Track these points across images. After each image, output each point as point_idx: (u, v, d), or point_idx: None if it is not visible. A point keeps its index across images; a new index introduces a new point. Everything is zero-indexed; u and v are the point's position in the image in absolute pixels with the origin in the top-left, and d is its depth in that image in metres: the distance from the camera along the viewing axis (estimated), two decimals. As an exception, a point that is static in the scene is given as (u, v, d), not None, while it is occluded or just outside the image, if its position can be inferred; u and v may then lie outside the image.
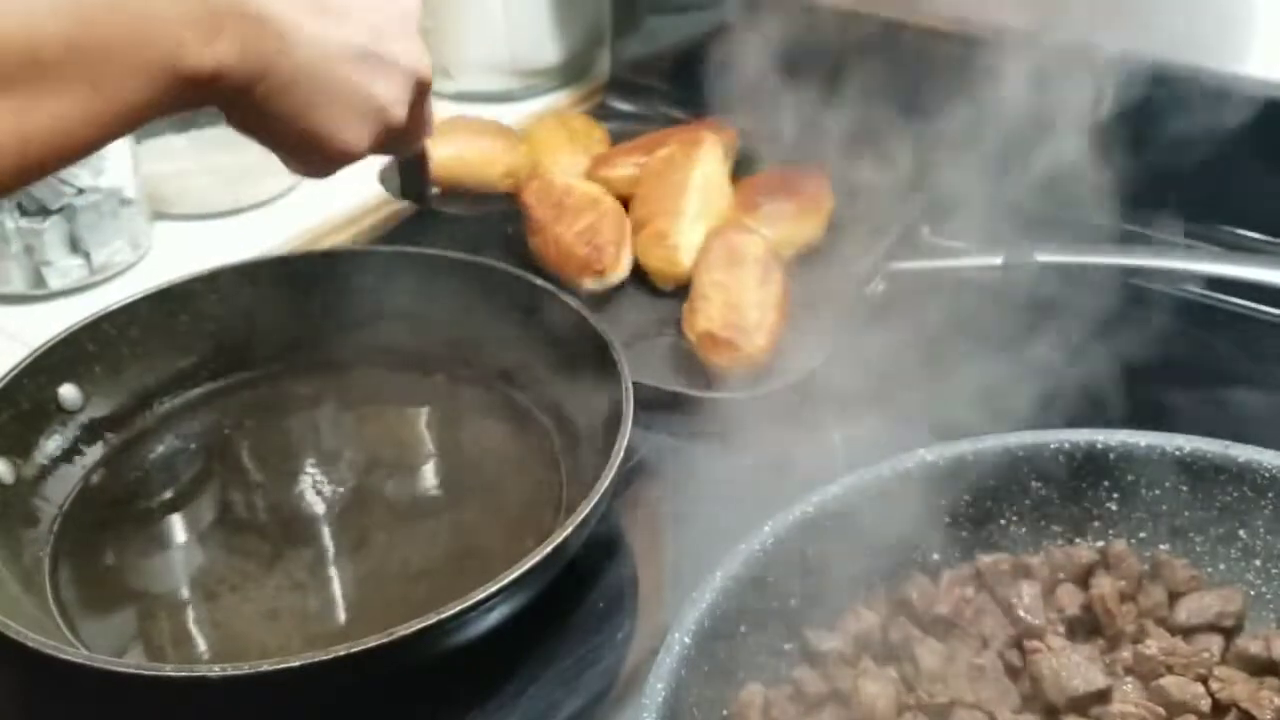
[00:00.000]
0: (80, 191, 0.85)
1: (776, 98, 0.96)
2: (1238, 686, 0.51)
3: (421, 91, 0.59)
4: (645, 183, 0.87)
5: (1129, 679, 0.52)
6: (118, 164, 0.87)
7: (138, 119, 0.47)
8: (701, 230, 0.82)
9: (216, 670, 0.51)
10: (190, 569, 0.67)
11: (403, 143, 0.60)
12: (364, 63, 0.54)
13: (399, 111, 0.57)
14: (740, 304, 0.76)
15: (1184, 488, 0.57)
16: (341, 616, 0.63)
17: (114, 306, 0.74)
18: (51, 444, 0.70)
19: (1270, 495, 0.56)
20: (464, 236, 0.87)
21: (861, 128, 0.89)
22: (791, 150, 0.93)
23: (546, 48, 1.09)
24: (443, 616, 0.53)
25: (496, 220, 0.90)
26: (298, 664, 0.51)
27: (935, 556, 0.58)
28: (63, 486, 0.69)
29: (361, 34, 0.54)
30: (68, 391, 0.71)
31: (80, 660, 0.54)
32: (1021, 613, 0.54)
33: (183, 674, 0.52)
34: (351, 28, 0.54)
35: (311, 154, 0.55)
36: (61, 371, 0.71)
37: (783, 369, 0.76)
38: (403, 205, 0.94)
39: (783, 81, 0.95)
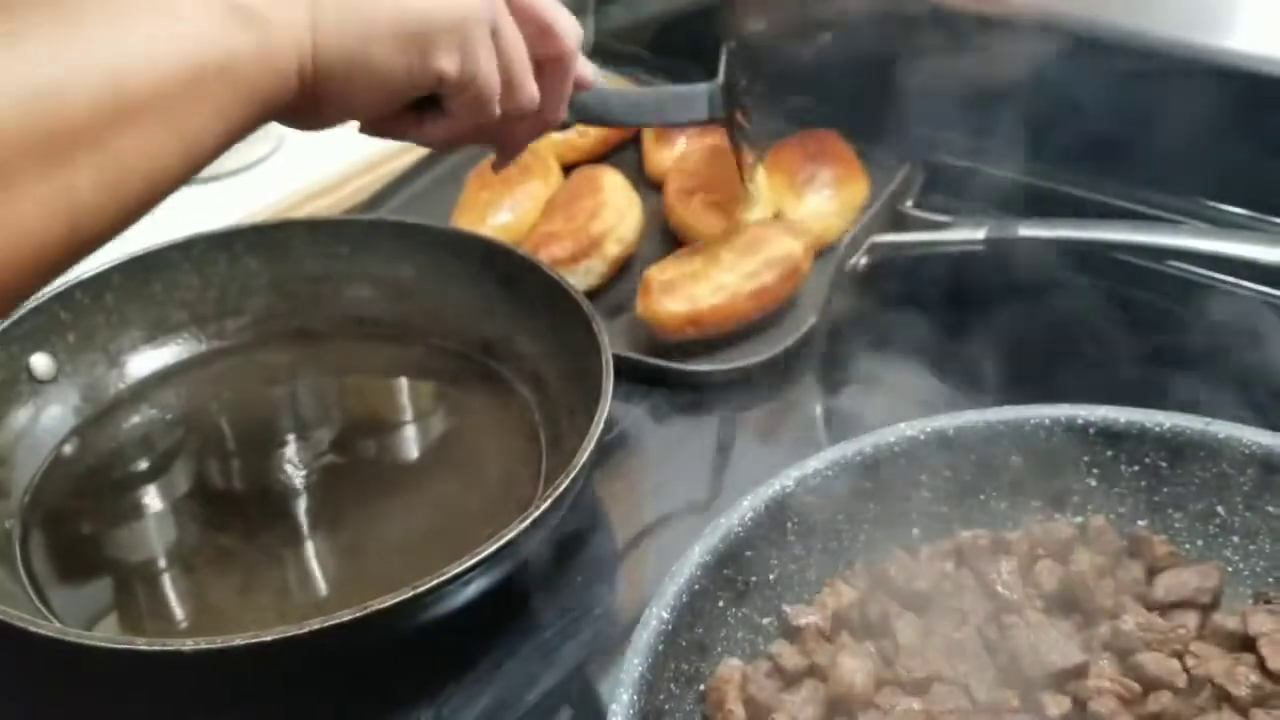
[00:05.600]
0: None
1: (760, 66, 0.95)
2: (1214, 662, 0.51)
3: (493, 31, 0.54)
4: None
5: (1106, 654, 0.52)
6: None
7: (204, 145, 0.44)
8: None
9: (189, 644, 0.51)
10: (165, 541, 0.67)
11: (491, 92, 0.55)
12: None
13: (471, 49, 0.53)
14: (698, 274, 0.76)
15: (1163, 464, 0.57)
16: (318, 590, 0.63)
17: (87, 274, 0.73)
18: (23, 414, 0.69)
19: (1249, 472, 0.56)
20: (445, 204, 0.87)
21: (845, 97, 0.89)
22: (775, 119, 0.93)
23: (529, 15, 1.07)
24: (418, 591, 0.53)
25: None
26: (270, 638, 0.51)
27: (914, 531, 0.58)
28: (34, 457, 0.68)
29: None
30: (39, 361, 0.70)
31: (51, 634, 0.54)
32: (1000, 588, 0.54)
33: (155, 648, 0.52)
34: None
35: (426, 43, 0.51)
36: (33, 340, 0.70)
37: (765, 342, 0.76)
38: (384, 173, 0.93)
39: (767, 50, 0.95)
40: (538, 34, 0.58)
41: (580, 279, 0.79)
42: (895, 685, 0.51)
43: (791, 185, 0.84)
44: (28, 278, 0.40)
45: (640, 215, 0.84)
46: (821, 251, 0.81)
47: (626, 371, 0.72)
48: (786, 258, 0.76)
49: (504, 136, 0.63)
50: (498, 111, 0.57)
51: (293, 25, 0.47)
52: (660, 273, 0.77)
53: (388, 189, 0.92)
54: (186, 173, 0.44)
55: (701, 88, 0.73)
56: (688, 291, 0.75)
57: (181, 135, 0.43)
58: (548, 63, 0.60)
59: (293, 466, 0.70)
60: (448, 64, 0.52)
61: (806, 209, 0.82)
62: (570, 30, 0.60)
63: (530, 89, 0.58)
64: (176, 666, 0.52)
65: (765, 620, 0.55)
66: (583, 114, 0.69)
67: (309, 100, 0.49)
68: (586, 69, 0.65)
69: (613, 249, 0.81)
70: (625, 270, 0.82)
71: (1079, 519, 0.58)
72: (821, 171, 0.84)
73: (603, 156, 0.92)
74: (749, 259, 0.76)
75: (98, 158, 0.40)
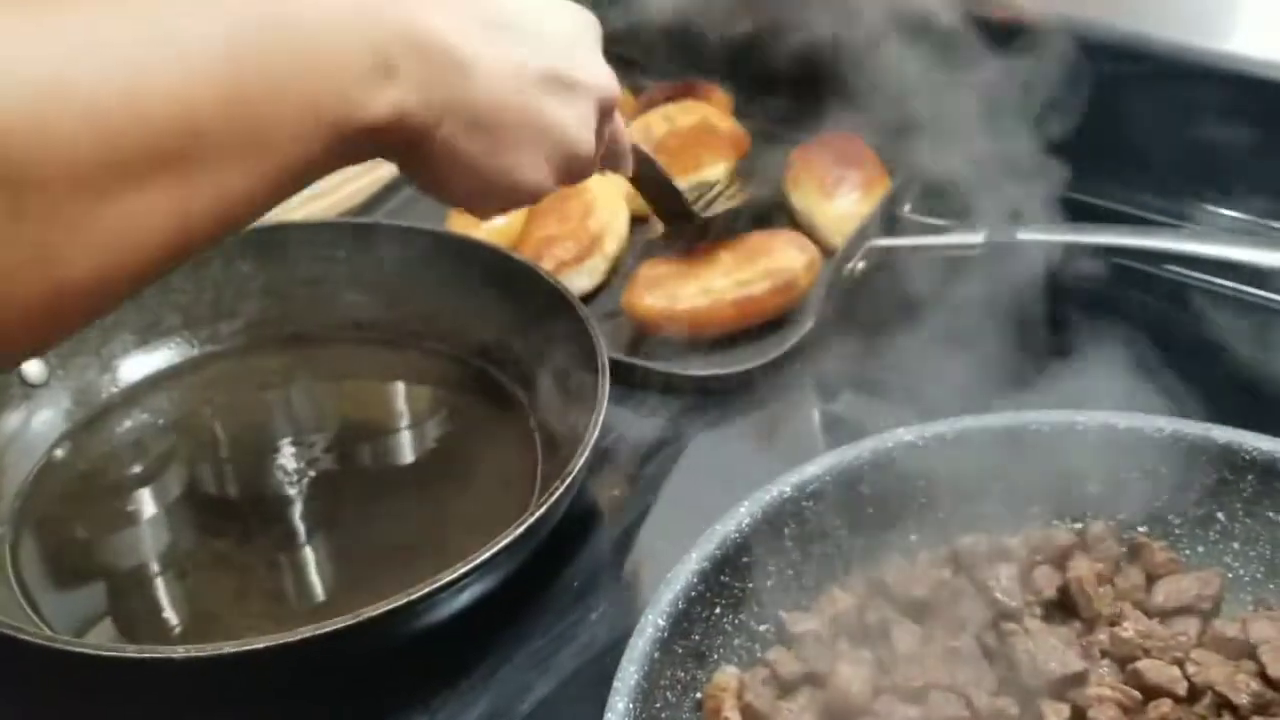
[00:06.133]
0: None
1: (762, 69, 0.95)
2: (1214, 670, 0.50)
3: (606, 111, 0.54)
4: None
5: (1105, 662, 0.52)
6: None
7: (305, 180, 0.42)
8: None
9: (180, 652, 0.51)
10: (157, 547, 0.66)
11: (587, 170, 0.54)
12: (551, 86, 0.49)
13: (587, 136, 0.52)
14: (689, 275, 0.75)
15: (1163, 469, 0.57)
16: (311, 596, 0.63)
17: (80, 278, 0.72)
18: (14, 418, 0.69)
19: (1249, 478, 0.55)
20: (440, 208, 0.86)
21: (845, 102, 0.89)
22: (778, 123, 0.92)
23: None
24: (412, 598, 0.52)
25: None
26: (262, 646, 0.50)
27: (912, 538, 0.57)
28: (25, 462, 0.68)
29: (545, 54, 0.49)
30: (31, 365, 0.70)
31: (41, 641, 0.53)
32: (998, 595, 0.54)
33: (145, 655, 0.51)
34: (533, 47, 0.48)
35: (493, 198, 0.51)
36: (25, 344, 0.70)
37: (762, 347, 0.75)
38: (377, 177, 0.92)
39: (767, 54, 0.95)
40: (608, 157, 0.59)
41: (585, 279, 0.79)
42: (893, 693, 0.50)
43: (821, 187, 0.84)
44: (138, 281, 0.38)
45: (627, 210, 0.84)
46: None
47: (623, 376, 0.72)
48: (784, 271, 0.76)
49: None
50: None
51: (428, 106, 0.45)
52: (651, 268, 0.77)
53: (383, 192, 0.92)
54: (289, 197, 0.43)
55: (689, 212, 0.77)
56: (670, 290, 0.75)
57: (302, 172, 0.42)
58: None
59: (286, 472, 0.69)
60: (545, 181, 0.52)
61: (836, 211, 0.82)
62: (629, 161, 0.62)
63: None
64: (168, 673, 0.51)
65: (762, 627, 0.54)
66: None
67: (403, 158, 0.47)
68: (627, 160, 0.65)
69: (611, 246, 0.81)
70: (620, 273, 0.82)
71: (1078, 525, 0.57)
72: (850, 174, 0.84)
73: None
74: (747, 267, 0.76)
75: (222, 183, 0.39)
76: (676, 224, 0.79)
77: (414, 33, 0.43)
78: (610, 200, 0.83)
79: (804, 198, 0.85)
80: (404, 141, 0.45)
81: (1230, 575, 0.56)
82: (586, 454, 0.59)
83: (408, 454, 0.73)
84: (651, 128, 0.89)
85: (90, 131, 0.35)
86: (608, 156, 0.59)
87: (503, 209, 0.54)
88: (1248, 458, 0.55)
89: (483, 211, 0.54)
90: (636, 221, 0.86)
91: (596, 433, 0.60)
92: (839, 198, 0.83)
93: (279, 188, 0.41)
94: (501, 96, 0.47)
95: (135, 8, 0.37)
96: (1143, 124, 0.77)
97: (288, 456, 0.70)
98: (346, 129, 0.41)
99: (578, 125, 0.51)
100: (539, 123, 0.49)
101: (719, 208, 0.83)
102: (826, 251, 0.80)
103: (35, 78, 0.34)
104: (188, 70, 0.37)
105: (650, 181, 0.75)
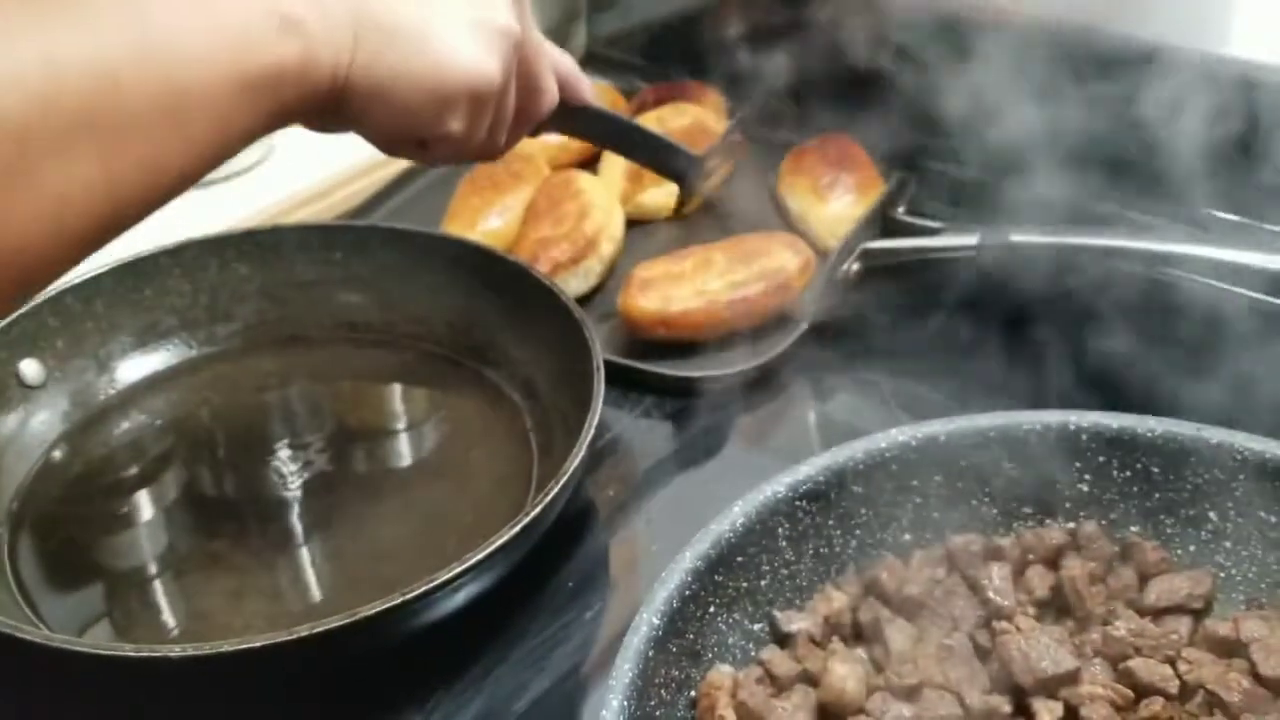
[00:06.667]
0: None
1: (753, 72, 0.96)
2: (1205, 668, 0.51)
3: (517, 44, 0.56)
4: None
5: (1097, 660, 0.52)
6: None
7: (231, 144, 0.45)
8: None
9: (177, 651, 0.51)
10: (154, 547, 0.66)
11: (520, 44, 0.56)
12: None
13: (513, 20, 0.54)
14: (683, 276, 0.76)
15: (1155, 469, 0.57)
16: (308, 595, 0.63)
17: (77, 279, 0.72)
18: (12, 419, 0.69)
19: (1241, 477, 0.56)
20: (436, 210, 0.87)
21: (836, 104, 0.89)
22: (771, 125, 0.93)
23: (522, 21, 1.07)
24: (407, 597, 0.52)
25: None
26: (259, 644, 0.51)
27: (906, 537, 0.58)
28: (23, 463, 0.68)
29: None
30: (29, 366, 0.70)
31: (38, 640, 0.53)
32: (991, 594, 0.54)
33: (143, 654, 0.51)
34: None
35: (451, 104, 0.52)
36: (23, 346, 0.70)
37: (757, 348, 0.76)
38: (373, 180, 0.93)
39: (758, 57, 0.95)
40: (528, 92, 0.60)
41: (580, 281, 0.79)
42: (886, 691, 0.51)
43: (814, 189, 0.84)
44: (67, 252, 0.40)
45: (622, 212, 0.84)
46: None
47: (618, 377, 0.72)
48: (778, 272, 0.76)
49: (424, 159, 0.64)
50: (489, 153, 0.61)
51: (336, 46, 0.48)
52: (646, 269, 0.77)
53: (379, 195, 0.92)
54: (214, 166, 0.45)
55: (686, 154, 0.79)
56: (665, 291, 0.75)
57: (220, 132, 0.44)
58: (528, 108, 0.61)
59: (283, 472, 0.69)
60: (455, 126, 0.54)
61: (830, 213, 0.83)
62: (553, 96, 0.62)
63: (500, 143, 0.60)
64: (165, 672, 0.51)
65: (756, 626, 0.54)
66: (569, 129, 0.70)
67: (327, 110, 0.50)
68: (584, 89, 0.67)
69: (607, 247, 0.81)
70: (615, 274, 0.82)
71: (1071, 525, 0.58)
72: (844, 177, 0.84)
73: (595, 159, 0.92)
74: (741, 268, 0.76)
75: (145, 146, 0.41)
76: (683, 178, 0.80)
77: None
78: (605, 203, 0.83)
79: (798, 200, 0.85)
80: (326, 83, 0.47)
81: (1222, 575, 0.56)
82: (581, 455, 0.60)
83: (404, 455, 0.73)
84: None
85: (19, 98, 0.37)
86: (564, 85, 0.62)
87: (471, 123, 0.55)
88: (1239, 458, 0.55)
89: (453, 136, 0.55)
90: (632, 224, 0.86)
91: (591, 433, 0.61)
92: (833, 200, 0.83)
93: (203, 151, 0.43)
94: (411, 3, 0.50)
95: (49, 6, 0.39)
96: (1138, 126, 0.77)
97: (284, 457, 0.70)
98: (258, 80, 0.44)
99: (497, 4, 0.53)
100: (455, 4, 0.52)
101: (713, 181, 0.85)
102: (820, 253, 0.81)
103: None
104: (100, 38, 0.40)
105: (637, 144, 0.76)
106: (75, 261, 0.42)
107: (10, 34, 0.37)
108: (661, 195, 0.86)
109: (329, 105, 0.49)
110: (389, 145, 0.58)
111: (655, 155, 0.78)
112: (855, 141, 0.88)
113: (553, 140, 0.90)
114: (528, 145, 0.92)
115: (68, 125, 0.38)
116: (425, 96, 0.52)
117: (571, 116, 0.67)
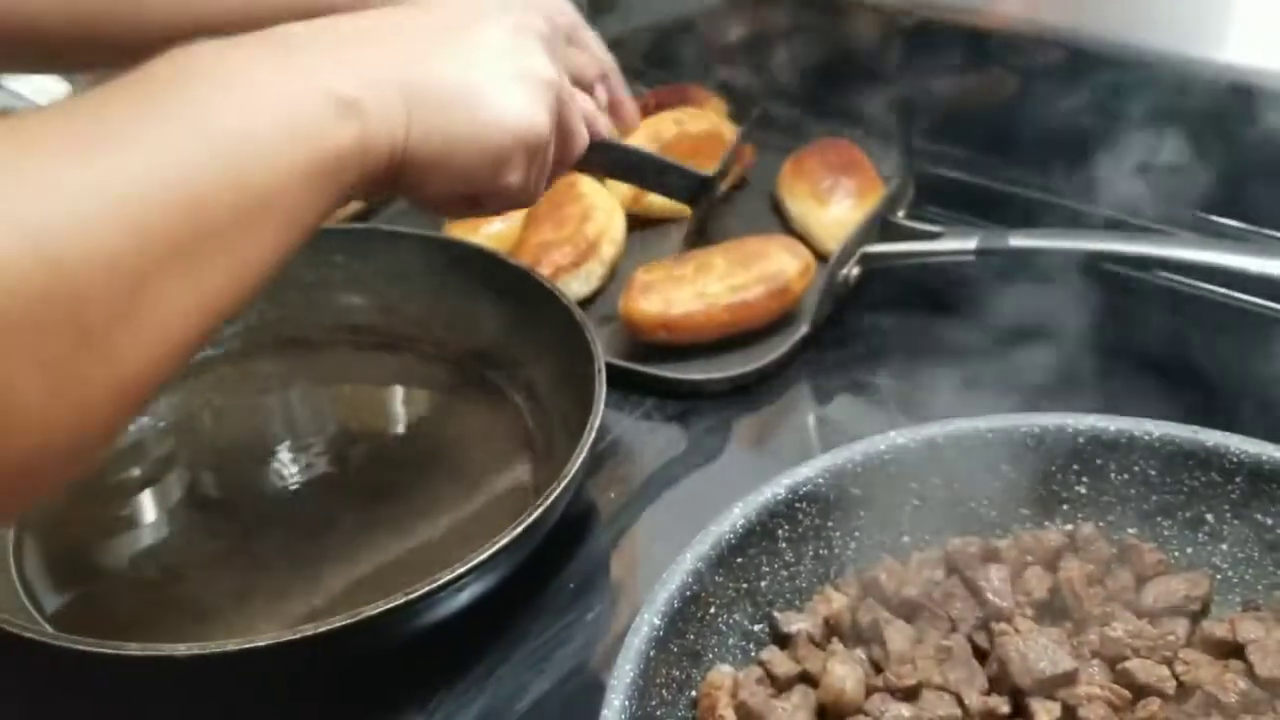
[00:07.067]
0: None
1: (754, 75, 0.96)
2: (1203, 670, 0.51)
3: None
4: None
5: (1095, 661, 0.52)
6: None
7: (305, 231, 0.45)
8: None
9: (182, 649, 0.51)
10: (158, 548, 0.66)
11: (560, 92, 0.57)
12: (498, 43, 0.53)
13: (552, 69, 0.55)
14: (684, 279, 0.76)
15: (1153, 472, 0.57)
16: (310, 596, 0.63)
17: (81, 282, 0.72)
18: (15, 421, 0.69)
19: (1237, 480, 0.56)
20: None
21: (836, 109, 0.89)
22: (771, 130, 0.93)
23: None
24: (410, 597, 0.53)
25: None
26: (264, 644, 0.51)
27: (905, 539, 0.58)
28: (27, 464, 0.68)
29: (462, 11, 0.53)
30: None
31: (44, 639, 0.54)
32: (990, 595, 0.54)
33: (148, 653, 0.52)
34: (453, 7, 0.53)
35: (506, 161, 0.53)
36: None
37: (757, 351, 0.76)
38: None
39: (759, 60, 0.95)
40: (564, 137, 0.60)
41: (582, 284, 0.80)
42: (885, 692, 0.51)
43: (815, 193, 0.85)
44: (167, 375, 0.40)
45: (624, 215, 0.85)
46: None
47: (619, 379, 0.72)
48: (777, 276, 0.77)
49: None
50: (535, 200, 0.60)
51: (391, 122, 0.48)
52: (647, 272, 0.77)
53: (380, 201, 0.92)
54: (286, 262, 0.45)
55: (699, 177, 0.80)
56: (666, 295, 0.75)
57: (291, 228, 0.44)
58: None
59: (285, 474, 0.70)
60: (513, 180, 0.54)
61: (830, 217, 0.83)
62: (584, 138, 0.62)
63: (541, 191, 0.60)
64: (170, 671, 0.52)
65: (756, 627, 0.55)
66: (584, 165, 0.71)
67: (384, 184, 0.50)
68: (601, 126, 0.67)
69: (608, 250, 0.81)
70: (616, 277, 0.83)
71: (1069, 527, 0.58)
72: (844, 180, 0.85)
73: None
74: (741, 272, 0.77)
75: (228, 259, 0.41)
76: (696, 200, 0.81)
77: (364, 73, 0.47)
78: (607, 206, 0.84)
79: (798, 204, 0.85)
80: (384, 160, 0.48)
81: (1219, 576, 0.56)
82: (583, 457, 0.60)
83: (405, 457, 0.73)
84: (661, 131, 0.90)
85: (117, 231, 0.37)
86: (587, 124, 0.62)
87: (526, 175, 0.55)
88: (1236, 460, 0.56)
89: (510, 190, 0.55)
90: (633, 227, 0.86)
91: (593, 436, 0.61)
92: (833, 204, 0.84)
93: (278, 249, 0.43)
94: (455, 67, 0.51)
95: (118, 136, 0.38)
96: (1134, 130, 0.77)
97: (286, 459, 0.71)
98: (321, 167, 0.44)
99: (534, 53, 0.54)
100: (497, 63, 0.52)
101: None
102: (820, 257, 0.81)
103: (82, 195, 0.36)
104: (177, 155, 0.39)
105: (649, 173, 0.77)
106: (175, 376, 0.41)
107: (93, 161, 0.37)
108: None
109: (386, 180, 0.49)
110: (442, 207, 0.58)
111: (666, 180, 0.79)
112: (855, 145, 0.88)
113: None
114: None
115: (162, 252, 0.38)
116: (481, 158, 0.52)
117: (589, 151, 0.68)
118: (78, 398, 0.36)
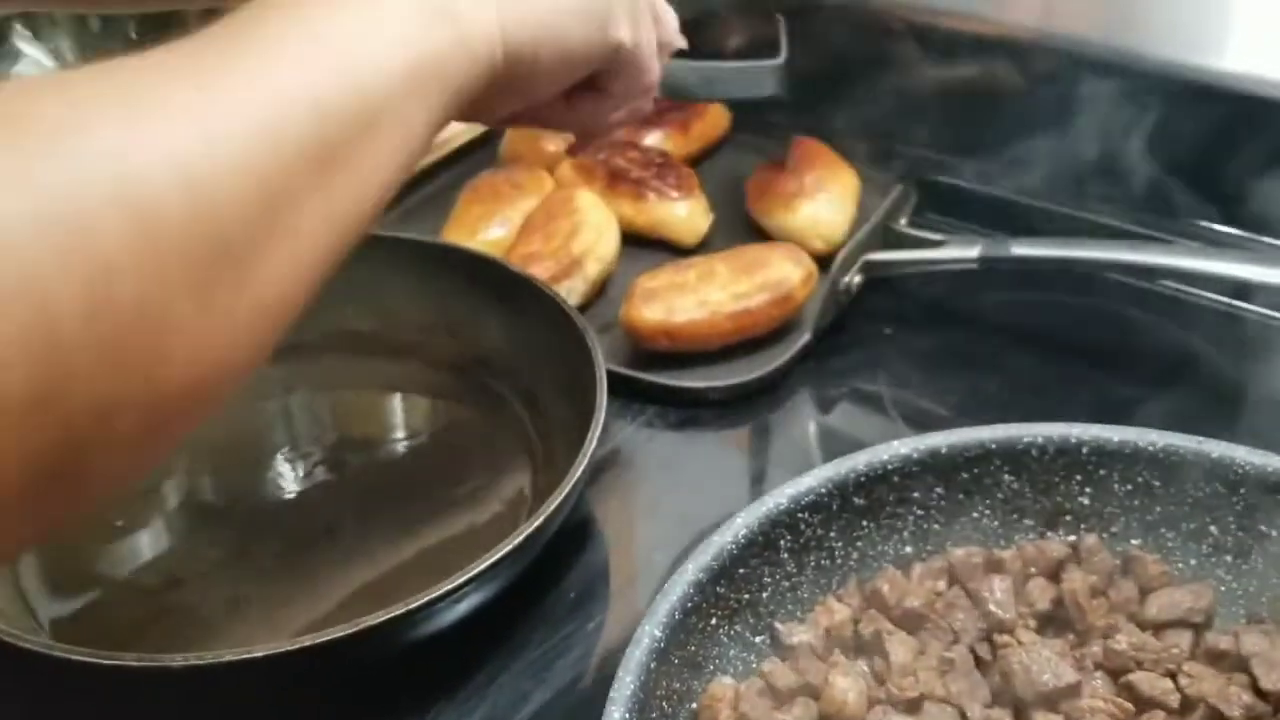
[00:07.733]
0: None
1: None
2: (1206, 682, 0.51)
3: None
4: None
5: (1099, 674, 0.52)
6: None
7: (418, 146, 0.44)
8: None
9: (179, 660, 0.51)
10: (156, 556, 0.66)
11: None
12: None
13: None
14: (686, 287, 0.76)
15: (1156, 483, 0.57)
16: (309, 605, 0.63)
17: (80, 288, 0.72)
18: (13, 428, 0.69)
19: (1241, 491, 0.56)
20: (437, 219, 0.87)
21: (836, 116, 0.89)
22: (766, 141, 0.93)
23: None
24: (410, 607, 0.52)
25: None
26: (261, 654, 0.51)
27: (907, 549, 0.58)
28: (25, 471, 0.68)
29: None
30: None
31: (40, 648, 0.53)
32: (992, 607, 0.54)
33: (145, 664, 0.51)
34: None
35: (601, 12, 0.53)
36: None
37: (759, 359, 0.76)
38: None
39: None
40: (654, 15, 0.60)
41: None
42: (887, 704, 0.51)
43: (784, 204, 0.84)
44: (304, 297, 0.40)
45: (618, 232, 0.84)
46: (829, 257, 0.81)
47: (620, 387, 0.72)
48: (780, 284, 0.76)
49: (598, 121, 0.63)
50: (655, 80, 0.59)
51: (484, 19, 0.48)
52: (650, 280, 0.77)
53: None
54: (407, 174, 0.44)
55: (767, 65, 0.78)
56: (668, 303, 0.75)
57: (405, 138, 0.43)
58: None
59: (283, 482, 0.69)
60: (625, 33, 0.54)
61: (801, 220, 0.83)
62: (673, 16, 0.62)
63: (656, 73, 0.60)
64: (166, 682, 0.52)
65: (758, 638, 0.55)
66: (660, 89, 0.70)
67: (495, 88, 0.49)
68: (679, 40, 0.67)
69: (593, 268, 0.81)
70: (616, 285, 0.82)
71: (1072, 538, 0.58)
72: (807, 179, 0.84)
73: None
74: (743, 279, 0.77)
75: (352, 173, 0.40)
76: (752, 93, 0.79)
77: None
78: (599, 222, 0.83)
79: (771, 220, 0.85)
80: (485, 56, 0.47)
81: (1222, 588, 0.56)
82: (584, 465, 0.60)
83: (405, 465, 0.73)
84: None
85: (260, 145, 0.37)
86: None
87: (634, 25, 0.55)
88: (1240, 472, 0.55)
89: (625, 46, 0.55)
90: (628, 244, 0.86)
91: (594, 444, 0.61)
92: (803, 206, 0.83)
93: (396, 159, 0.43)
94: None
95: (237, 55, 0.39)
96: (1135, 139, 0.77)
97: (284, 467, 0.70)
98: (425, 70, 0.44)
99: None
100: None
101: None
102: (812, 255, 0.80)
103: (215, 114, 0.36)
104: (299, 68, 0.39)
105: (707, 83, 0.75)
106: (306, 306, 0.41)
107: (218, 81, 0.37)
108: (682, 215, 0.86)
109: (500, 77, 0.49)
110: (545, 111, 0.57)
111: (735, 84, 0.78)
112: (811, 140, 0.88)
113: (552, 147, 0.91)
114: (531, 153, 0.92)
115: (295, 165, 0.38)
116: (582, 15, 0.52)
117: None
118: (227, 320, 0.36)
